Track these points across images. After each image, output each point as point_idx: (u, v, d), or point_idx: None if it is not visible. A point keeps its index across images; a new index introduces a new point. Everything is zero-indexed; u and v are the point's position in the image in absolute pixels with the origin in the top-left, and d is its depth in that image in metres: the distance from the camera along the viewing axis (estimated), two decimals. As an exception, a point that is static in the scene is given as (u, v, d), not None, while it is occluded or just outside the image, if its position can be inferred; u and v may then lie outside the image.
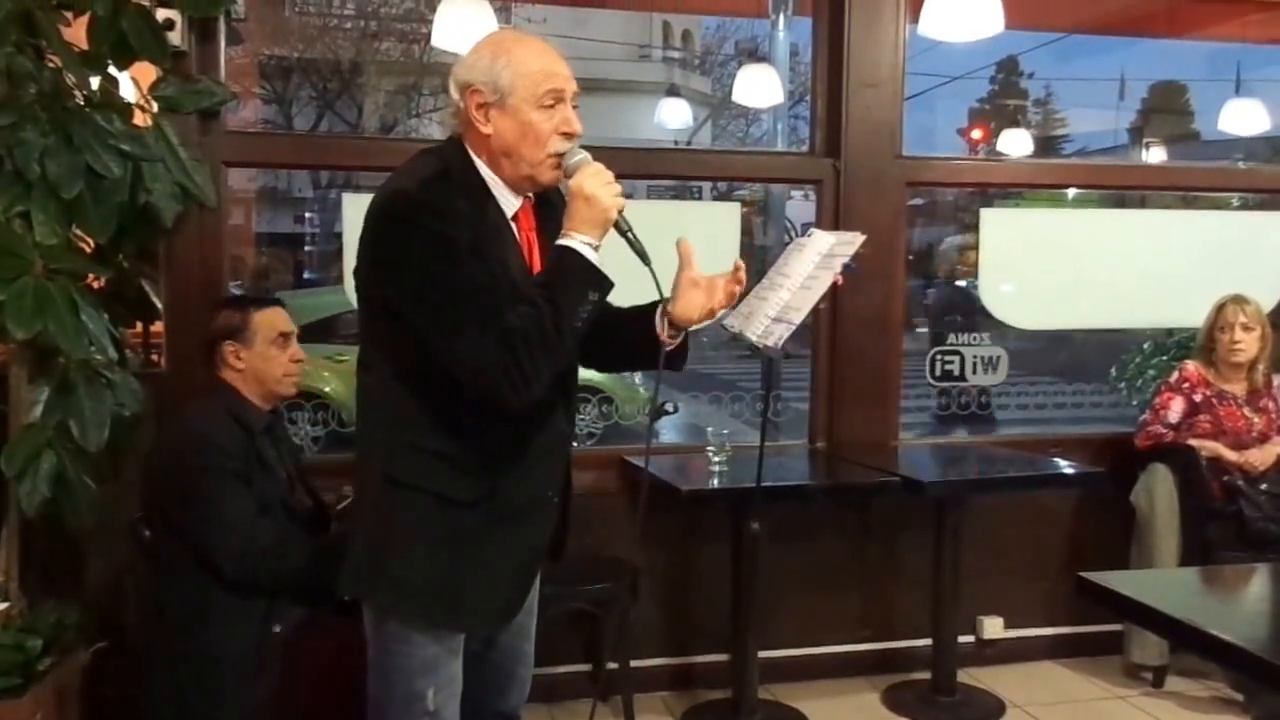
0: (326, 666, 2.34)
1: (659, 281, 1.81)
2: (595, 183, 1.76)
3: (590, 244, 1.75)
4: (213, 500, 2.34)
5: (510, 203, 1.85)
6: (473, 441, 1.81)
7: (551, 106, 1.79)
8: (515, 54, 1.80)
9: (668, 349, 1.90)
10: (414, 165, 1.85)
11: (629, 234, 1.79)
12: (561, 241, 1.76)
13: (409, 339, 1.78)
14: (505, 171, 1.83)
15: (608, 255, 1.79)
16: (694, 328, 1.94)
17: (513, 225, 1.86)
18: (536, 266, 1.85)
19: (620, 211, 1.77)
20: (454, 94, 1.84)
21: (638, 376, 7.16)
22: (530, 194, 1.88)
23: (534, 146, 1.79)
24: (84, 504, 2.30)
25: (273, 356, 2.52)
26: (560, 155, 1.80)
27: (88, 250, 2.41)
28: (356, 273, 1.89)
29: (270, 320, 2.54)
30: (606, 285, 1.77)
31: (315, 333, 6.96)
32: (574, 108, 1.83)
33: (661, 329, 1.90)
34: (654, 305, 1.91)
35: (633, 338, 1.93)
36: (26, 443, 2.24)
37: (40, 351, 2.25)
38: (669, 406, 4.13)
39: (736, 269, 1.93)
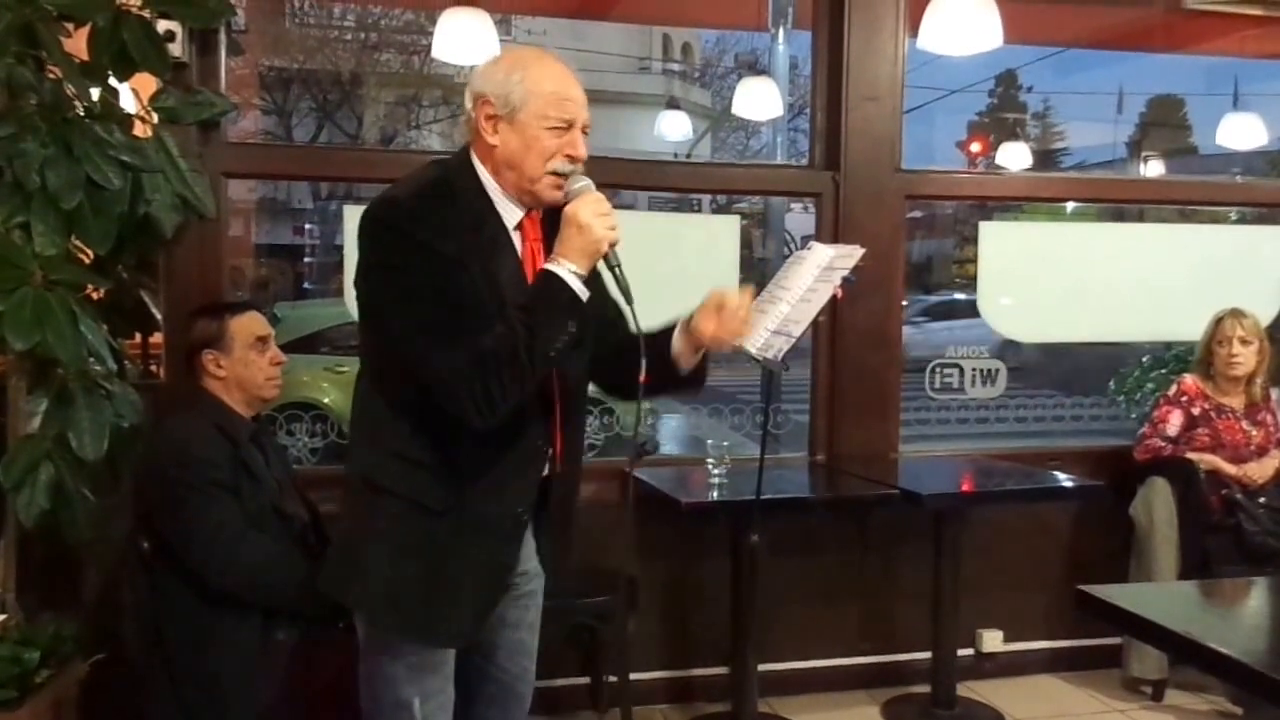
0: (329, 678, 2.33)
1: (638, 322, 1.80)
2: (590, 212, 1.75)
3: (576, 273, 1.74)
4: (196, 513, 2.34)
5: (513, 213, 1.86)
6: (447, 451, 1.82)
7: (559, 129, 1.80)
8: (531, 71, 1.81)
9: (687, 370, 1.93)
10: (415, 175, 1.87)
11: (616, 269, 1.78)
12: (548, 266, 1.75)
13: (388, 345, 1.80)
14: (508, 183, 1.84)
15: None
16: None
17: (514, 235, 1.86)
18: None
19: (612, 245, 1.76)
20: (467, 103, 1.85)
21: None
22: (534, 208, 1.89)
23: (536, 161, 1.80)
24: (82, 515, 2.29)
25: (253, 361, 2.52)
26: (562, 175, 1.80)
27: (86, 261, 2.41)
28: (355, 285, 1.90)
29: (247, 325, 2.54)
30: (588, 318, 1.77)
31: (314, 344, 6.96)
32: (584, 133, 1.83)
33: (682, 349, 1.92)
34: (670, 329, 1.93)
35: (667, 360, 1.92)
36: (25, 454, 2.23)
37: (39, 362, 2.24)
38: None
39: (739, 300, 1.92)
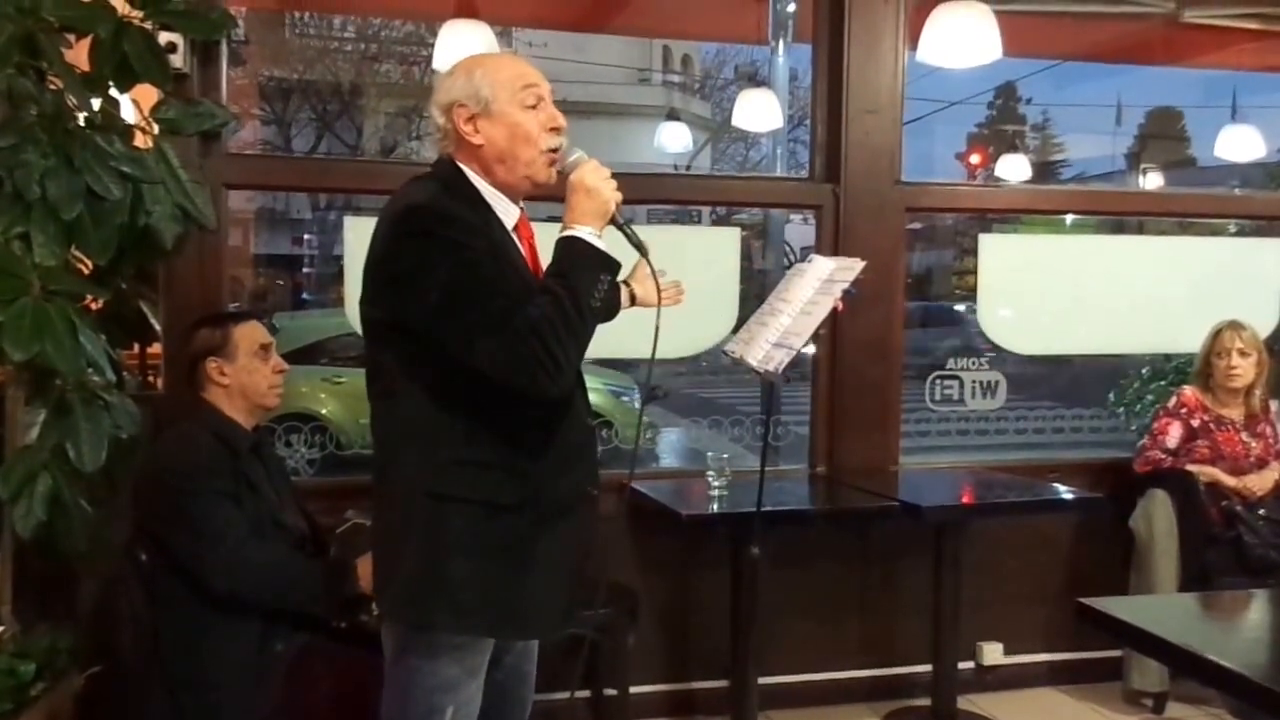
0: (328, 691, 2.33)
1: (655, 271, 1.98)
2: (595, 177, 1.84)
3: (594, 234, 1.82)
4: (199, 519, 2.33)
5: (509, 213, 1.92)
6: (509, 444, 1.85)
7: (534, 107, 1.88)
8: (488, 66, 1.91)
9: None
10: (413, 187, 1.91)
11: (626, 226, 1.88)
12: (565, 234, 1.82)
13: (433, 355, 1.81)
14: (500, 178, 1.90)
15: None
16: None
17: (513, 236, 1.92)
18: (540, 274, 1.90)
19: (618, 205, 1.85)
20: (438, 118, 1.92)
21: (637, 401, 7.16)
22: (523, 206, 1.95)
23: (526, 144, 1.88)
24: (79, 527, 2.28)
25: (256, 369, 2.52)
26: (553, 151, 1.88)
27: (86, 272, 2.41)
28: (366, 301, 1.90)
29: (250, 333, 2.54)
30: (615, 266, 1.85)
31: (313, 354, 6.96)
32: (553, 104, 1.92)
33: (626, 297, 2.21)
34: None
35: None
36: (22, 465, 2.22)
37: (37, 373, 2.24)
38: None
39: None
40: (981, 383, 3.96)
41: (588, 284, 1.78)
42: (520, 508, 1.85)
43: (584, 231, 1.81)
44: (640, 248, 1.90)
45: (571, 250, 1.81)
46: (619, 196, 1.85)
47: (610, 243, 1.85)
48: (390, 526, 1.93)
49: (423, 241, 1.79)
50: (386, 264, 1.84)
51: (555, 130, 1.89)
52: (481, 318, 1.75)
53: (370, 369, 1.95)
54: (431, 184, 1.89)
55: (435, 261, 1.77)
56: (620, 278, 2.04)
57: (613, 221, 1.85)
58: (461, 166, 1.90)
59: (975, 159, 19.59)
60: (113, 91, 2.40)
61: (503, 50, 2.01)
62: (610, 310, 2.16)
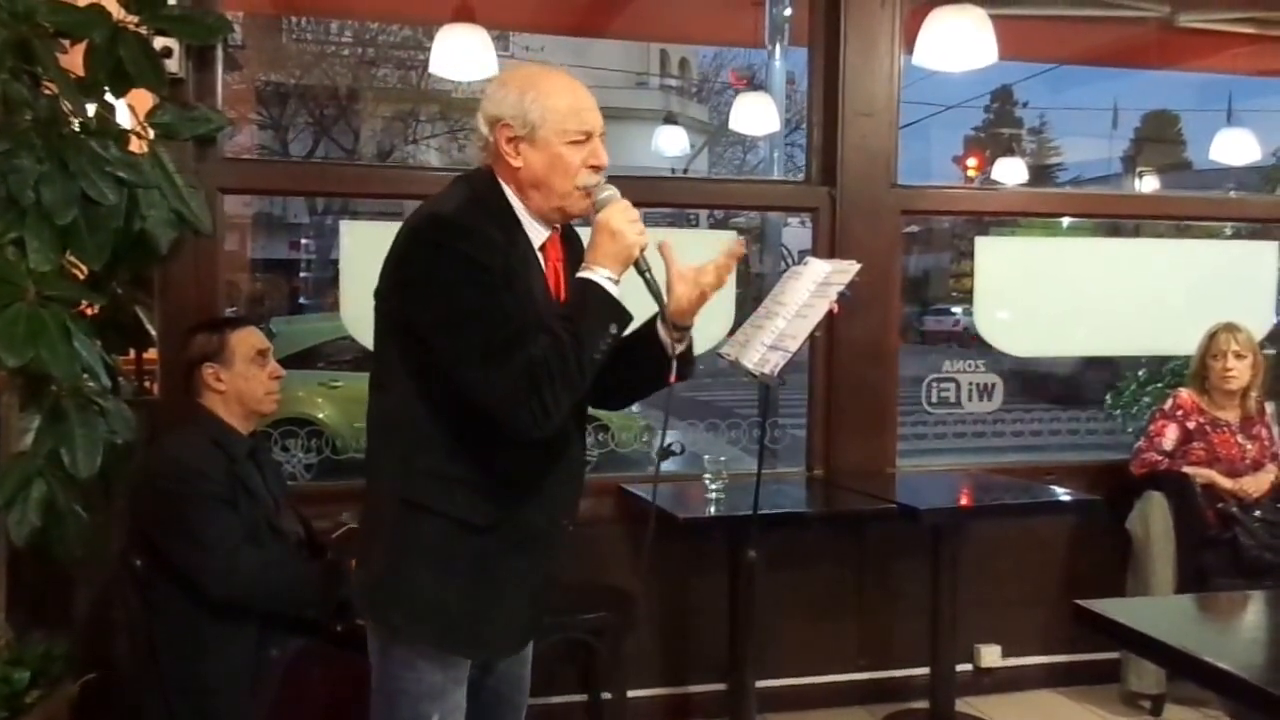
0: (323, 696, 2.32)
1: (667, 323, 1.84)
2: (622, 219, 1.79)
3: (611, 278, 1.77)
4: (195, 524, 2.33)
5: (539, 233, 1.88)
6: (491, 466, 1.82)
7: (579, 141, 1.83)
8: (543, 89, 1.83)
9: (677, 353, 1.87)
10: (448, 193, 1.88)
11: (646, 274, 1.82)
12: (583, 274, 1.78)
13: (431, 362, 1.79)
14: (534, 203, 1.85)
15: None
16: (694, 320, 1.89)
17: (540, 255, 1.88)
18: (563, 297, 1.87)
19: (642, 250, 1.80)
20: (483, 128, 1.86)
21: (636, 405, 7.16)
22: (558, 225, 1.91)
23: (563, 178, 1.82)
24: (74, 533, 2.27)
25: (253, 375, 2.52)
26: (589, 188, 1.83)
27: (81, 277, 2.40)
28: (379, 294, 1.89)
29: (247, 339, 2.54)
30: (626, 319, 1.79)
31: (310, 359, 6.95)
32: (600, 136, 1.86)
33: (666, 336, 1.87)
34: (650, 322, 1.89)
35: (636, 360, 1.90)
36: (16, 471, 2.22)
37: (32, 379, 2.23)
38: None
39: (731, 253, 1.89)
40: (978, 385, 3.96)
41: (594, 334, 1.74)
42: (488, 530, 1.83)
43: (601, 275, 1.76)
44: (659, 298, 1.83)
45: (585, 294, 1.77)
46: (644, 240, 1.79)
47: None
48: (368, 523, 1.96)
49: (437, 252, 1.76)
50: (401, 267, 1.82)
51: (594, 168, 1.83)
52: (481, 345, 1.72)
53: (373, 361, 1.95)
54: (465, 190, 1.86)
55: (445, 276, 1.75)
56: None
57: (635, 265, 1.80)
58: (499, 181, 1.86)
59: (972, 162, 19.60)
60: (108, 96, 2.40)
61: (560, 71, 1.94)
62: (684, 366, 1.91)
